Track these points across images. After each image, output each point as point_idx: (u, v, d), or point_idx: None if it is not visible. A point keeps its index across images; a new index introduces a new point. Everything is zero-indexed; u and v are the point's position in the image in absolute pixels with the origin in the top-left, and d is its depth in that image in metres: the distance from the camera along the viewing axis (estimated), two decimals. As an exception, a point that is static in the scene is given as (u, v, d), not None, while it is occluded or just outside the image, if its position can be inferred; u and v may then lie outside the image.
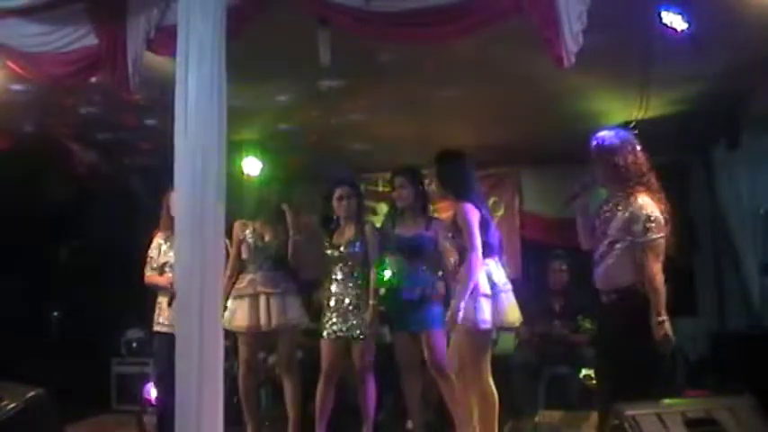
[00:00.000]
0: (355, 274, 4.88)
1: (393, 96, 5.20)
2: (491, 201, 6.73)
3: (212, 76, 3.27)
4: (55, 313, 5.53)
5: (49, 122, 5.61)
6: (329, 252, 4.95)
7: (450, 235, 4.32)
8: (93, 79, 4.14)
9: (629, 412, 3.48)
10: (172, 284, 4.60)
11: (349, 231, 4.96)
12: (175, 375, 3.28)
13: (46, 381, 4.61)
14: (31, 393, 4.31)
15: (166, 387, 4.59)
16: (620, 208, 3.76)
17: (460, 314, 4.03)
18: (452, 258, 4.33)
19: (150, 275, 5.01)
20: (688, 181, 6.35)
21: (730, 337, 5.81)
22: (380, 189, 7.15)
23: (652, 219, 3.65)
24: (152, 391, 5.34)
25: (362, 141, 6.19)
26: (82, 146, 6.13)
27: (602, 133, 3.88)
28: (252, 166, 6.30)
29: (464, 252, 4.17)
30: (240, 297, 4.94)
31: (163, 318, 4.90)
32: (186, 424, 3.19)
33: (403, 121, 5.72)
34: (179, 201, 3.32)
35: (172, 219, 4.76)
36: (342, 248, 4.91)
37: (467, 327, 4.09)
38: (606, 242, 3.79)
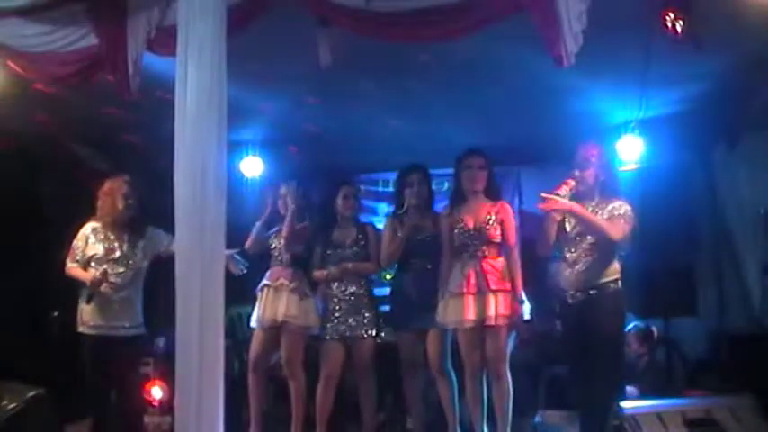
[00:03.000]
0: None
1: (393, 96, 5.19)
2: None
3: (212, 76, 3.28)
4: (55, 313, 5.51)
5: (49, 122, 5.60)
6: (329, 252, 4.94)
7: (490, 230, 4.47)
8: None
9: (630, 412, 3.50)
10: (92, 282, 4.42)
11: (349, 231, 4.96)
12: (175, 375, 3.27)
13: (46, 381, 4.62)
14: (31, 393, 4.33)
15: (98, 394, 4.53)
16: (600, 209, 4.10)
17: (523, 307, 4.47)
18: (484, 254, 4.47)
19: (72, 267, 4.57)
20: (688, 181, 6.34)
21: (730, 337, 5.79)
22: (380, 189, 7.15)
23: (629, 212, 4.07)
24: (154, 392, 5.32)
25: (362, 141, 6.17)
26: (82, 145, 6.12)
27: (594, 143, 4.23)
28: (252, 166, 6.29)
29: (494, 247, 4.48)
30: (260, 290, 4.95)
31: (87, 317, 4.53)
32: (186, 424, 3.19)
33: (403, 121, 5.71)
34: (179, 201, 3.32)
35: (115, 209, 4.58)
36: (343, 248, 4.90)
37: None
38: (586, 242, 4.10)
